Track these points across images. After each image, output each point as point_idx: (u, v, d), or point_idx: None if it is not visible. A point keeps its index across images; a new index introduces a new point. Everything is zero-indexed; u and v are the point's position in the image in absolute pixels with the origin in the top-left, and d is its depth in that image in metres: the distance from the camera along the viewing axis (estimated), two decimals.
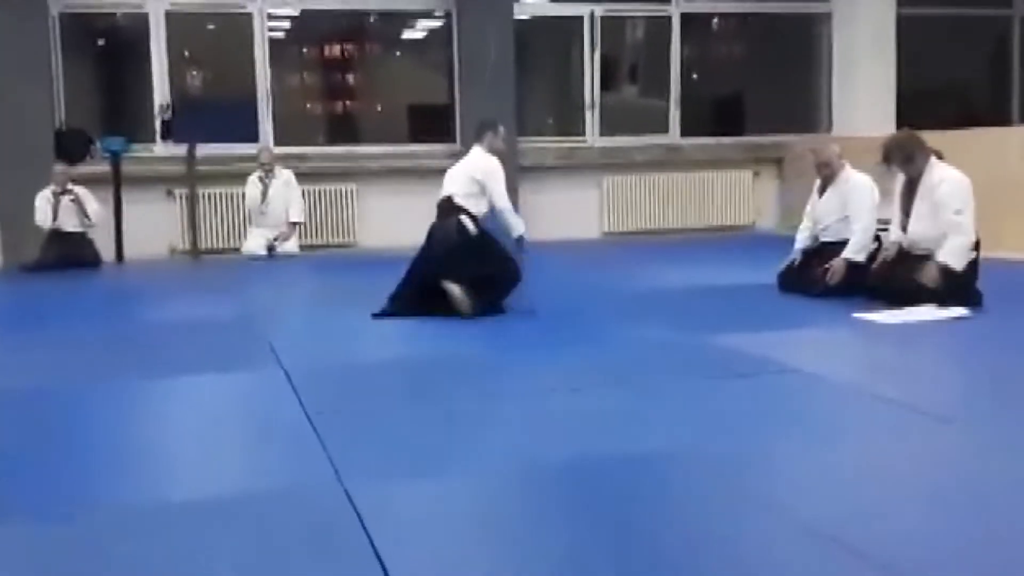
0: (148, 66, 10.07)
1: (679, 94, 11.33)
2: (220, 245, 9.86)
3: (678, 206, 11.03)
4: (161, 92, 10.08)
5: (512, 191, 10.13)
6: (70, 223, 9.15)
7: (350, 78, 11.17)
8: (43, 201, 9.12)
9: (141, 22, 10.07)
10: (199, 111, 10.15)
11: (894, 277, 5.62)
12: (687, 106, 11.38)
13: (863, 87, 11.32)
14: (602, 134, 11.11)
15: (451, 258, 5.78)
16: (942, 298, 5.34)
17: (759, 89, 11.95)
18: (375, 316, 5.77)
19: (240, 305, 6.62)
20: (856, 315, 5.31)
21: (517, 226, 6.05)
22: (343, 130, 11.03)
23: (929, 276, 5.42)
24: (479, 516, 2.66)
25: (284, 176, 9.64)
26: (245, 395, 4.13)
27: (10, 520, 2.66)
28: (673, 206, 11.03)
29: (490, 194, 5.93)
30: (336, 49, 11.06)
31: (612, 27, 11.26)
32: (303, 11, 10.70)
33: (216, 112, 10.31)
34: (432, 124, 10.90)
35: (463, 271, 5.72)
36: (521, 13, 10.85)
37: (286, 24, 10.85)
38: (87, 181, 9.34)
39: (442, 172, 10.31)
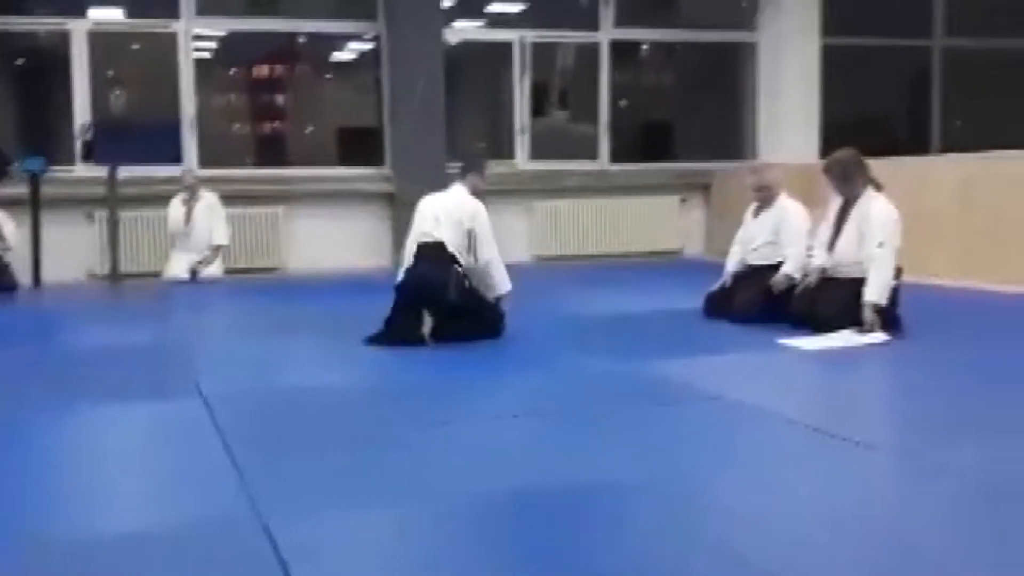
0: (69, 86, 9.87)
1: (608, 120, 11.42)
2: (141, 269, 9.66)
3: (607, 231, 11.09)
4: (82, 112, 9.88)
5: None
6: None
7: (279, 99, 11.09)
8: None
9: (63, 41, 9.87)
10: (121, 132, 9.94)
11: (817, 303, 5.68)
12: (616, 132, 11.48)
13: (788, 116, 11.53)
14: (532, 158, 11.15)
15: (445, 310, 5.57)
16: (861, 323, 5.42)
17: (687, 116, 12.12)
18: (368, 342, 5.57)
19: (160, 331, 6.48)
20: (780, 341, 5.36)
21: (503, 283, 5.71)
22: (271, 152, 10.93)
23: (868, 319, 5.44)
24: (406, 551, 2.60)
25: (208, 199, 9.49)
26: (162, 425, 4.02)
27: None
28: (602, 231, 11.09)
29: (478, 243, 5.63)
30: (265, 70, 10.98)
31: (542, 53, 11.33)
32: (230, 32, 10.59)
33: (139, 133, 10.12)
34: (362, 147, 10.83)
35: (455, 320, 5.57)
36: (451, 37, 10.86)
37: (213, 44, 10.73)
38: (4, 203, 9.08)
39: (371, 196, 10.49)
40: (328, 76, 11.50)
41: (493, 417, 3.93)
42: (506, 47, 11.08)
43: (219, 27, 10.50)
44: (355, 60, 11.47)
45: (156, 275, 9.51)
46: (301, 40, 11.06)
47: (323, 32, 10.88)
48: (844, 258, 5.69)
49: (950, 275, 7.88)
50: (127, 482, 3.24)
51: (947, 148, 11.86)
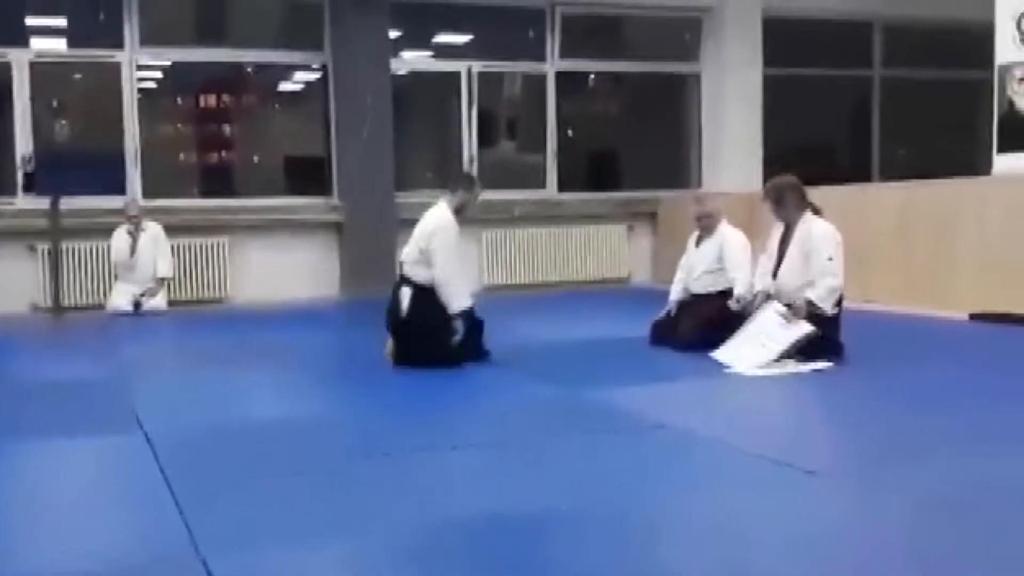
0: (10, 116, 9.72)
1: (556, 149, 11.50)
2: (84, 301, 9.52)
3: (556, 259, 11.14)
4: (24, 143, 9.73)
5: (389, 243, 10.25)
6: None
7: (225, 129, 11.01)
8: None
9: (4, 71, 9.73)
10: (64, 163, 9.83)
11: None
12: (564, 161, 11.55)
13: (731, 145, 11.70)
14: (481, 188, 11.13)
15: (396, 332, 5.73)
16: (810, 350, 5.48)
17: (633, 146, 12.23)
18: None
19: (102, 364, 6.37)
20: (726, 368, 5.40)
21: (455, 302, 5.66)
22: (217, 182, 10.84)
23: (796, 305, 5.54)
24: None
25: (152, 230, 9.39)
26: (102, 460, 3.94)
27: None
28: (551, 259, 11.14)
29: (432, 261, 5.63)
30: (211, 100, 10.89)
31: (489, 83, 11.39)
32: (176, 62, 10.51)
33: (82, 164, 10.00)
34: (309, 177, 10.79)
35: (402, 344, 5.69)
36: (398, 67, 10.88)
37: (158, 74, 10.65)
38: None
39: (318, 226, 10.45)
40: (275, 106, 11.45)
41: (435, 448, 3.91)
42: (454, 77, 11.12)
43: (164, 57, 10.42)
44: (302, 90, 11.43)
45: (99, 307, 9.38)
46: (248, 70, 11.01)
47: (269, 62, 10.85)
48: (787, 284, 5.76)
49: (892, 301, 8.00)
50: (66, 519, 3.17)
51: (888, 175, 12.09)
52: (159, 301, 9.37)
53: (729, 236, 6.36)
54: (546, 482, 3.43)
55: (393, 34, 10.71)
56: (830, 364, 5.41)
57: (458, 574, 2.59)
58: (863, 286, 7.83)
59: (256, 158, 11.27)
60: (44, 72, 9.88)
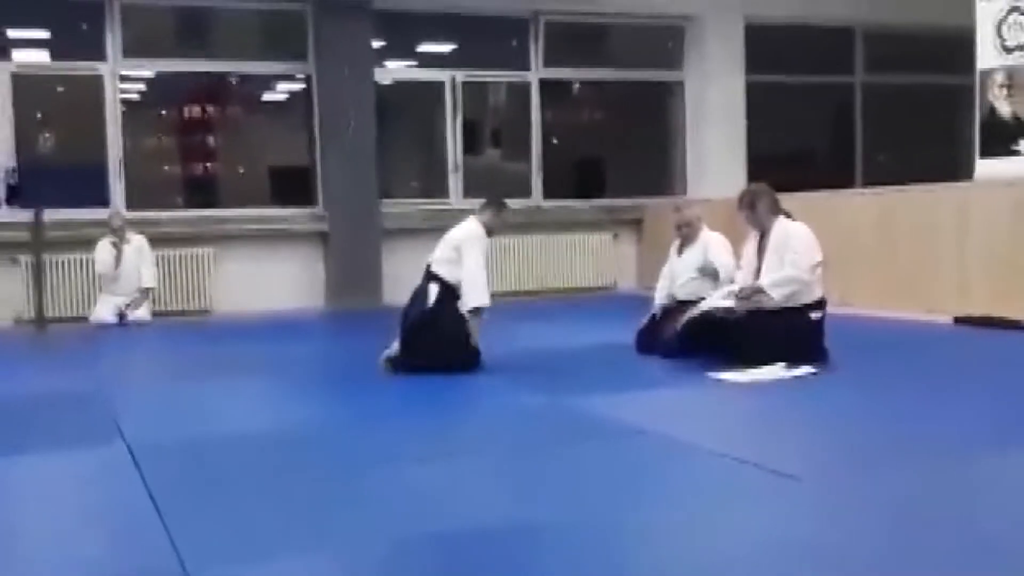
0: None
1: (540, 158, 11.52)
2: (68, 313, 9.48)
3: (541, 267, 11.15)
4: (7, 155, 9.70)
5: (374, 253, 10.24)
6: None
7: (209, 140, 11.00)
8: None
9: None
10: (47, 175, 9.79)
11: (745, 338, 5.74)
12: (548, 169, 11.57)
13: (714, 152, 11.75)
14: (465, 196, 11.16)
15: (412, 327, 5.75)
16: (793, 356, 5.50)
17: (618, 153, 12.26)
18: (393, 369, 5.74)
19: (86, 376, 6.34)
20: (710, 374, 5.41)
21: (473, 298, 5.75)
22: (201, 193, 10.82)
23: (746, 289, 5.65)
24: None
25: (136, 241, 9.38)
26: (85, 474, 3.92)
27: None
28: (536, 267, 11.15)
29: (463, 258, 5.77)
30: (195, 111, 10.88)
31: (473, 92, 11.40)
32: (159, 73, 10.50)
33: (65, 176, 9.98)
34: (293, 187, 10.78)
35: (414, 341, 5.71)
36: (382, 77, 10.89)
37: (141, 86, 10.63)
38: None
39: (303, 236, 10.43)
40: (259, 116, 11.44)
41: (418, 459, 3.91)
42: (438, 87, 11.13)
43: (146, 68, 10.41)
44: (286, 100, 11.43)
45: (83, 319, 9.35)
46: (231, 80, 11.00)
47: (253, 73, 10.84)
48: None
49: (875, 306, 8.03)
50: (48, 532, 3.16)
51: (871, 181, 12.13)
52: (143, 312, 9.35)
53: (712, 240, 6.38)
54: (524, 492, 3.42)
55: (376, 44, 10.72)
56: (814, 370, 5.43)
57: None
58: (847, 291, 7.87)
59: (240, 168, 11.26)
60: (26, 84, 9.85)
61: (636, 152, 12.34)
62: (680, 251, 6.53)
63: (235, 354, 7.26)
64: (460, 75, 11.17)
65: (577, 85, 12.37)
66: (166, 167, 10.91)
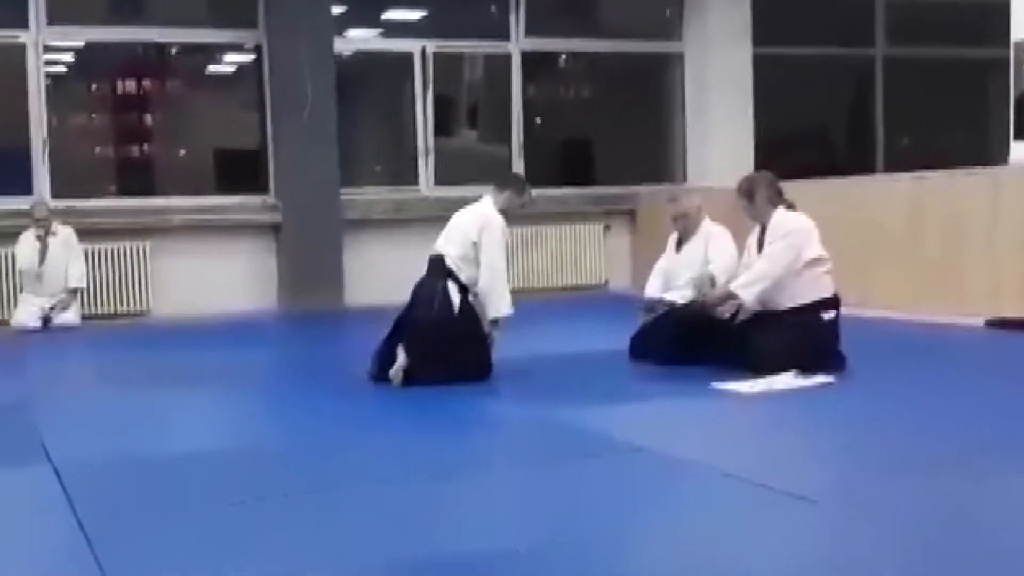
0: None
1: (522, 140, 11.52)
2: None
3: (523, 263, 11.13)
4: None
5: (334, 247, 10.22)
6: None
7: (146, 119, 10.96)
8: None
9: None
10: None
11: (752, 342, 5.77)
12: (531, 153, 11.58)
13: (718, 133, 11.77)
14: (437, 183, 11.16)
15: (426, 332, 5.68)
16: (804, 361, 5.52)
17: (609, 135, 12.28)
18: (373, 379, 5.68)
19: (5, 387, 6.31)
20: (715, 385, 5.43)
21: (497, 306, 5.76)
22: (137, 179, 10.78)
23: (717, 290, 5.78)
24: None
25: (63, 234, 9.32)
26: (4, 495, 3.91)
27: None
28: (518, 263, 11.12)
29: (481, 257, 5.73)
30: (130, 85, 10.84)
31: (446, 65, 11.39)
32: (89, 42, 10.44)
33: None
34: (242, 173, 10.75)
35: (432, 348, 5.64)
36: (343, 48, 10.86)
37: (68, 57, 10.57)
38: None
39: (253, 227, 10.39)
40: (202, 91, 11.39)
41: (383, 480, 3.91)
42: (406, 58, 11.11)
43: (75, 37, 10.34)
44: (233, 73, 11.39)
45: (3, 323, 9.29)
46: (171, 51, 10.95)
47: (196, 42, 10.79)
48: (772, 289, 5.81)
49: (901, 307, 8.07)
50: None
51: (893, 166, 12.21)
52: (71, 315, 9.30)
53: (714, 235, 6.37)
54: (506, 516, 3.44)
55: (336, 9, 10.70)
56: (830, 379, 5.45)
57: None
58: (866, 290, 7.90)
59: (181, 152, 11.22)
60: None
61: (630, 134, 12.36)
62: (679, 246, 6.54)
63: (176, 362, 7.23)
64: (431, 45, 11.16)
65: (564, 57, 12.39)
66: (97, 149, 10.86)
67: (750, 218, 5.95)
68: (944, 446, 4.16)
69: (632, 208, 11.54)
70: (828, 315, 5.73)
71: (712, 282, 6.09)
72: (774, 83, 12.03)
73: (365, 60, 11.34)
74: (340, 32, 10.83)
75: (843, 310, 5.86)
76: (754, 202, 5.87)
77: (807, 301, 5.72)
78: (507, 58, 11.49)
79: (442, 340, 5.67)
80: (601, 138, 12.38)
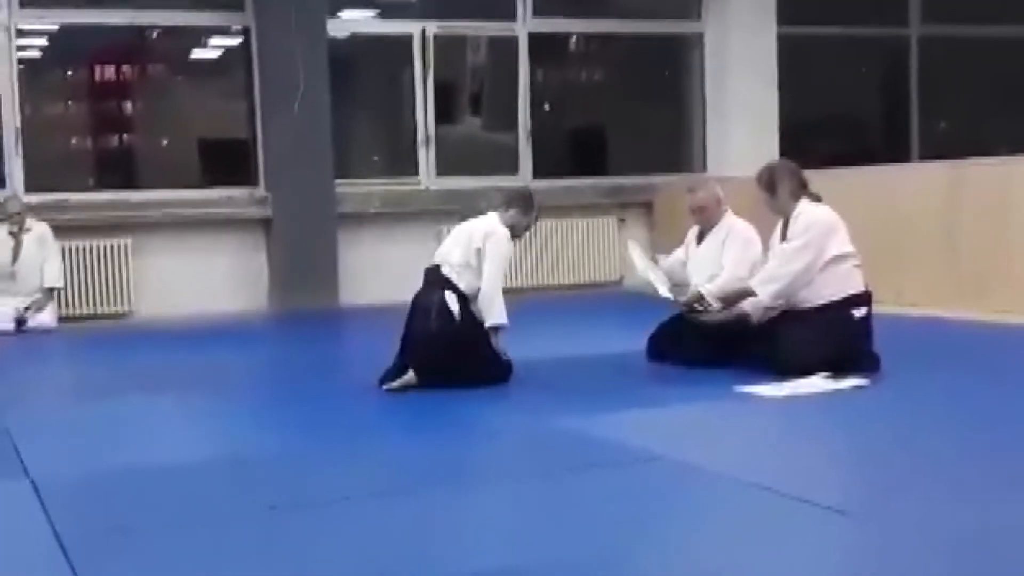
0: None
1: (530, 128, 11.52)
2: None
3: (532, 260, 11.14)
4: None
5: (328, 243, 10.23)
6: None
7: (126, 107, 10.97)
8: None
9: None
10: None
11: (777, 342, 5.77)
12: (540, 142, 11.58)
13: (740, 119, 11.75)
14: (439, 175, 11.16)
15: (427, 347, 5.73)
16: (834, 362, 5.52)
17: (623, 122, 12.26)
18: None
19: None
20: (739, 388, 5.43)
21: (492, 314, 5.79)
22: (117, 172, 10.79)
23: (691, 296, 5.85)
24: None
25: (38, 231, 9.34)
26: None
27: None
28: (526, 260, 11.13)
29: (484, 266, 5.77)
30: (108, 72, 10.85)
31: (449, 48, 11.40)
32: (64, 25, 10.46)
33: None
34: (229, 164, 10.77)
35: (437, 363, 5.68)
36: (337, 30, 10.87)
37: (43, 41, 10.58)
38: None
39: (241, 223, 10.41)
40: (186, 78, 11.40)
41: (382, 493, 3.92)
42: (405, 41, 11.11)
43: (50, 20, 10.36)
44: (219, 58, 11.40)
45: None
46: (153, 35, 10.96)
47: (179, 25, 10.80)
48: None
49: (939, 304, 8.06)
50: None
51: (930, 153, 12.19)
52: (47, 317, 9.31)
53: (736, 231, 6.33)
54: (518, 532, 3.44)
55: None
56: (863, 381, 5.45)
57: None
58: (901, 287, 7.89)
59: (164, 142, 11.23)
60: None
61: (645, 120, 12.35)
62: (700, 239, 6.52)
63: (160, 366, 7.24)
64: (432, 27, 11.16)
65: (574, 39, 12.38)
66: (74, 140, 10.87)
67: (772, 211, 5.95)
68: (988, 458, 4.15)
69: (648, 200, 11.53)
70: (859, 312, 5.73)
71: (701, 298, 6.09)
72: (800, 65, 12.02)
73: (361, 43, 11.33)
74: (333, 13, 10.82)
75: (877, 308, 5.87)
76: (776, 195, 5.87)
77: (836, 298, 5.72)
78: (514, 40, 11.48)
79: (447, 353, 5.69)
80: (615, 125, 12.36)
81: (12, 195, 9.57)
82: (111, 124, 10.96)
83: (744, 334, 6.06)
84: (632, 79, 12.55)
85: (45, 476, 4.22)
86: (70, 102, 10.93)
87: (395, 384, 5.73)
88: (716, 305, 5.98)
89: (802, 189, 5.88)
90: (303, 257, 10.23)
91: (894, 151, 12.31)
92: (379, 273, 10.20)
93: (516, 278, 11.00)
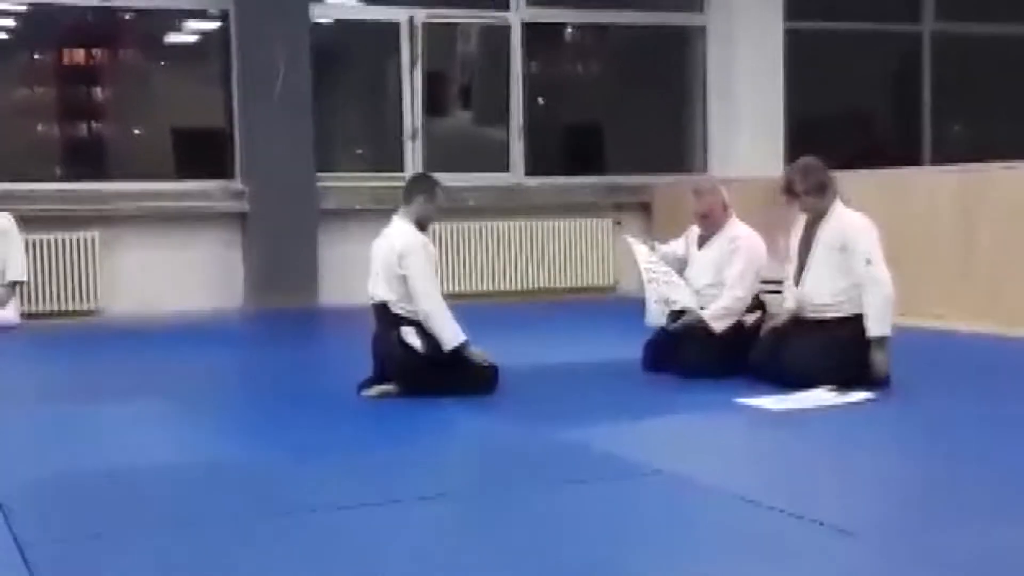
0: None
1: (522, 122, 11.52)
2: None
3: (523, 262, 11.15)
4: None
5: (309, 240, 10.22)
6: None
7: (96, 94, 10.94)
8: None
9: None
10: None
11: (783, 352, 5.78)
12: (533, 137, 11.59)
13: (744, 117, 11.78)
14: (427, 169, 11.11)
15: (403, 381, 5.75)
16: (844, 380, 5.53)
17: (621, 118, 12.28)
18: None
19: None
20: (738, 400, 5.44)
21: (447, 337, 5.72)
22: (85, 162, 10.77)
23: (877, 367, 5.63)
24: None
25: (1, 222, 9.31)
26: None
27: None
28: (517, 262, 11.15)
29: (412, 291, 5.71)
30: (78, 56, 10.83)
31: (439, 37, 11.40)
32: (32, 6, 10.44)
33: None
34: (204, 155, 10.76)
35: (418, 389, 5.69)
36: (320, 16, 10.86)
37: (9, 22, 10.57)
38: None
39: (217, 217, 10.39)
40: (161, 63, 11.38)
41: (365, 504, 3.91)
42: (392, 29, 11.11)
43: (16, 0, 10.34)
44: (196, 43, 11.38)
45: None
46: (125, 17, 10.95)
47: (154, 7, 10.78)
48: (815, 294, 5.81)
49: (951, 316, 8.08)
50: None
51: (942, 156, 12.22)
52: (9, 313, 9.28)
53: (740, 240, 6.32)
54: (505, 546, 3.43)
55: None
56: (870, 395, 5.46)
57: None
58: (911, 297, 7.89)
59: (136, 131, 11.21)
60: None
61: (645, 117, 12.37)
62: (701, 243, 6.51)
63: (128, 367, 7.23)
64: (421, 14, 11.16)
65: (570, 30, 12.39)
66: (40, 127, 10.84)
67: (807, 209, 5.92)
68: (1001, 478, 4.15)
69: (646, 201, 11.54)
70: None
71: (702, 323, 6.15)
72: (808, 61, 12.06)
73: (346, 29, 11.35)
74: None
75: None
76: (824, 196, 5.85)
77: (851, 312, 5.72)
78: (507, 29, 11.48)
79: (424, 382, 5.69)
80: (612, 121, 12.38)
81: None
82: (80, 111, 10.94)
83: (745, 343, 6.07)
84: (631, 73, 12.56)
85: (5, 481, 4.20)
86: (37, 86, 10.89)
87: (373, 391, 5.74)
88: (718, 329, 6.04)
89: (836, 188, 5.89)
90: (281, 255, 10.21)
91: (904, 153, 12.33)
92: (361, 272, 10.12)
93: (501, 281, 11.03)
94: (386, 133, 11.38)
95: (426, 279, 5.75)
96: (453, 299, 10.52)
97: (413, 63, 11.17)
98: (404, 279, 5.72)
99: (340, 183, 10.78)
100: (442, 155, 11.22)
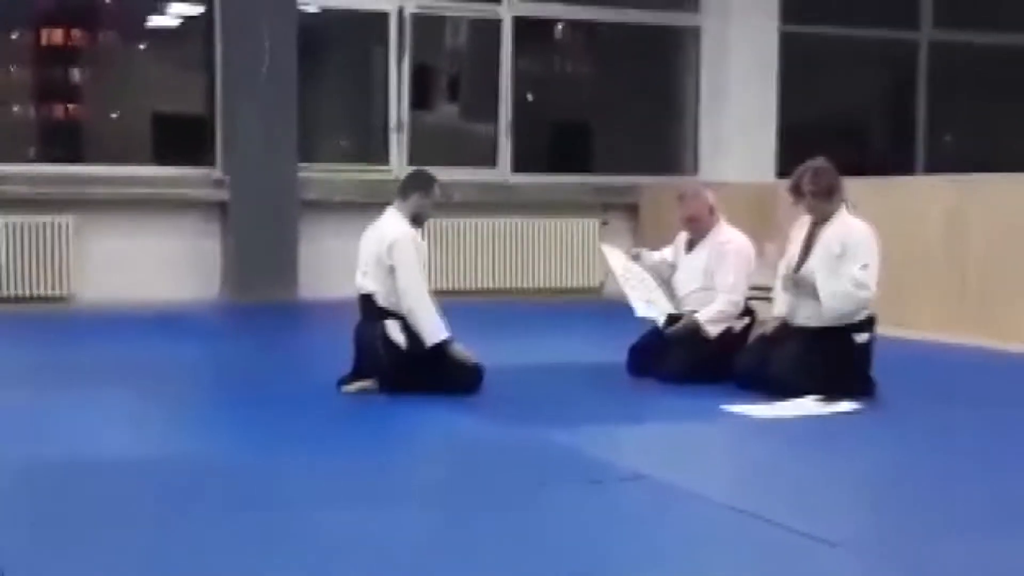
0: None
1: (510, 118, 11.52)
2: None
3: (508, 261, 11.14)
4: None
5: (289, 231, 10.20)
6: None
7: (74, 75, 10.91)
8: None
9: None
10: None
11: (770, 359, 5.79)
12: (521, 134, 11.58)
13: (736, 120, 11.79)
14: (411, 163, 11.12)
15: (384, 378, 5.74)
16: (831, 389, 5.55)
17: (611, 117, 12.30)
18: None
19: None
20: (724, 407, 5.45)
21: (432, 332, 5.74)
22: (61, 144, 10.76)
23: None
24: None
25: None
26: None
27: None
28: (502, 261, 11.14)
29: (398, 283, 5.72)
30: (56, 36, 10.79)
31: (427, 29, 11.39)
32: None
33: None
34: (184, 141, 10.73)
35: (400, 386, 5.69)
36: (307, 4, 10.84)
37: None
38: None
39: (195, 204, 10.36)
40: (141, 46, 11.35)
41: (337, 503, 3.91)
42: (380, 19, 11.10)
43: None
44: (178, 27, 11.35)
45: None
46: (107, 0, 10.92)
47: None
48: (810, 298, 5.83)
49: (939, 328, 8.10)
50: None
51: (936, 166, 12.25)
52: None
53: (727, 244, 6.34)
54: (479, 550, 3.42)
55: None
56: (857, 406, 5.48)
57: None
58: (900, 308, 7.92)
59: (114, 114, 11.17)
60: None
61: (635, 117, 12.39)
62: (689, 246, 6.52)
63: (100, 357, 7.19)
64: (410, 5, 11.15)
65: (561, 26, 12.38)
66: (15, 108, 10.82)
67: (814, 213, 5.93)
68: (985, 491, 4.17)
69: (634, 201, 11.55)
70: (861, 338, 5.76)
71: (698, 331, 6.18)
72: (803, 66, 12.09)
73: (333, 19, 11.32)
74: None
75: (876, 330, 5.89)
76: (832, 200, 5.87)
77: (840, 321, 5.74)
78: (497, 24, 11.48)
79: (406, 381, 5.70)
80: (601, 120, 12.39)
81: None
82: (56, 92, 10.90)
83: (732, 350, 6.09)
84: (622, 72, 12.56)
85: None
86: (12, 66, 10.86)
87: (352, 387, 5.73)
88: (713, 334, 6.07)
89: (843, 193, 5.92)
90: (260, 245, 10.18)
91: (897, 162, 12.38)
92: (342, 266, 10.09)
93: (485, 280, 11.01)
94: (371, 125, 11.37)
95: (412, 271, 5.76)
96: (437, 297, 10.59)
97: (401, 55, 11.15)
98: (392, 270, 5.72)
99: (322, 174, 10.76)
100: (427, 149, 11.20)
